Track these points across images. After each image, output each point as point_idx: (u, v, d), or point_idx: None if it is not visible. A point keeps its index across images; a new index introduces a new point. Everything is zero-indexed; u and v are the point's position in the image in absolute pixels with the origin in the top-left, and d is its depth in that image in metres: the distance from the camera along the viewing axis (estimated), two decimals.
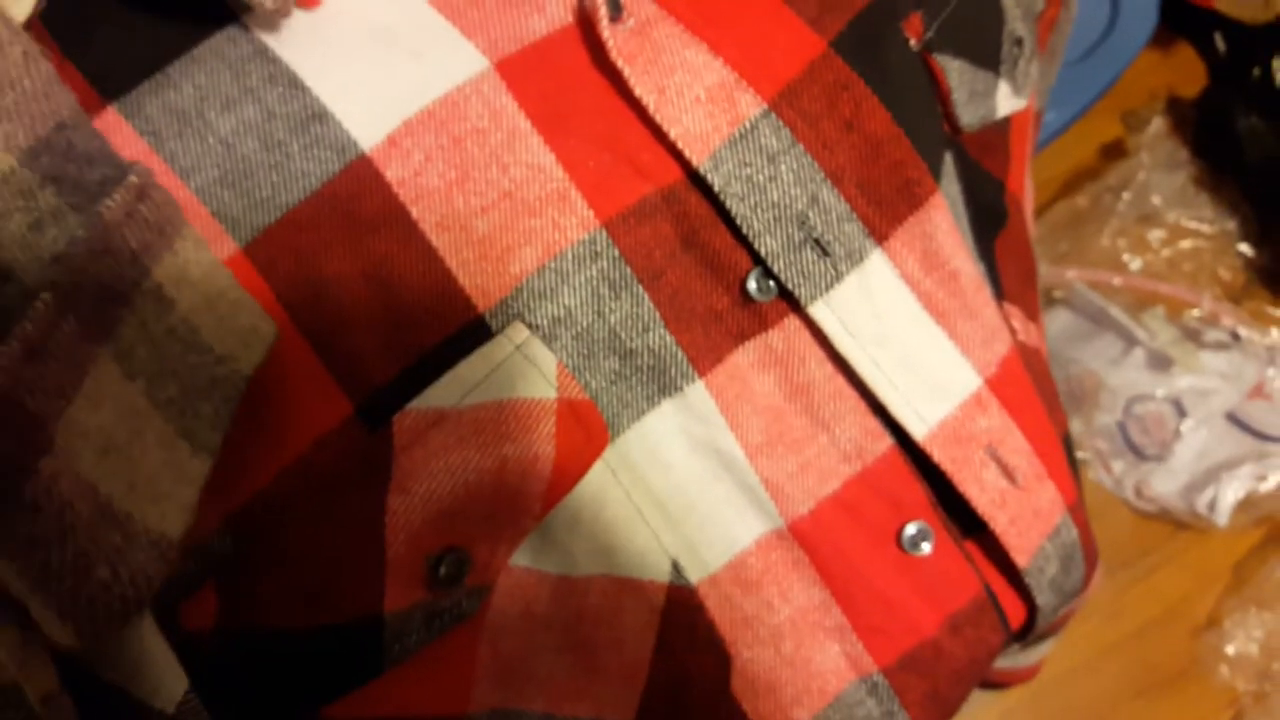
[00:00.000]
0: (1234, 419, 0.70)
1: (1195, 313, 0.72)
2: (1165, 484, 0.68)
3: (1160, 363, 0.70)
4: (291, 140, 0.29)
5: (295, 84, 0.29)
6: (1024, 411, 0.34)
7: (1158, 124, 0.75)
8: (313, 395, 0.28)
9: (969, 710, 0.62)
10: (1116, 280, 0.73)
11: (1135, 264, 0.74)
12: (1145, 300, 0.73)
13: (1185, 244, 0.74)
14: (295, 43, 0.30)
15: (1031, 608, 0.35)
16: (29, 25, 0.26)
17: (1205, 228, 0.75)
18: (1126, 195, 0.74)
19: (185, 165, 0.28)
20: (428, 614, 0.29)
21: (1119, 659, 0.65)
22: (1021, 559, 0.34)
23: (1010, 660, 0.44)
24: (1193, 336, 0.71)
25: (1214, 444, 0.69)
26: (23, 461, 0.21)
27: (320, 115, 0.29)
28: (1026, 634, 0.36)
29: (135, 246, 0.24)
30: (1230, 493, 0.67)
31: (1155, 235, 0.74)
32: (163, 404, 0.24)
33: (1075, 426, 0.69)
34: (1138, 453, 0.70)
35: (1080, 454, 0.69)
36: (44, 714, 0.22)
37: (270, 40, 0.30)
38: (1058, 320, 0.73)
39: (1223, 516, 0.67)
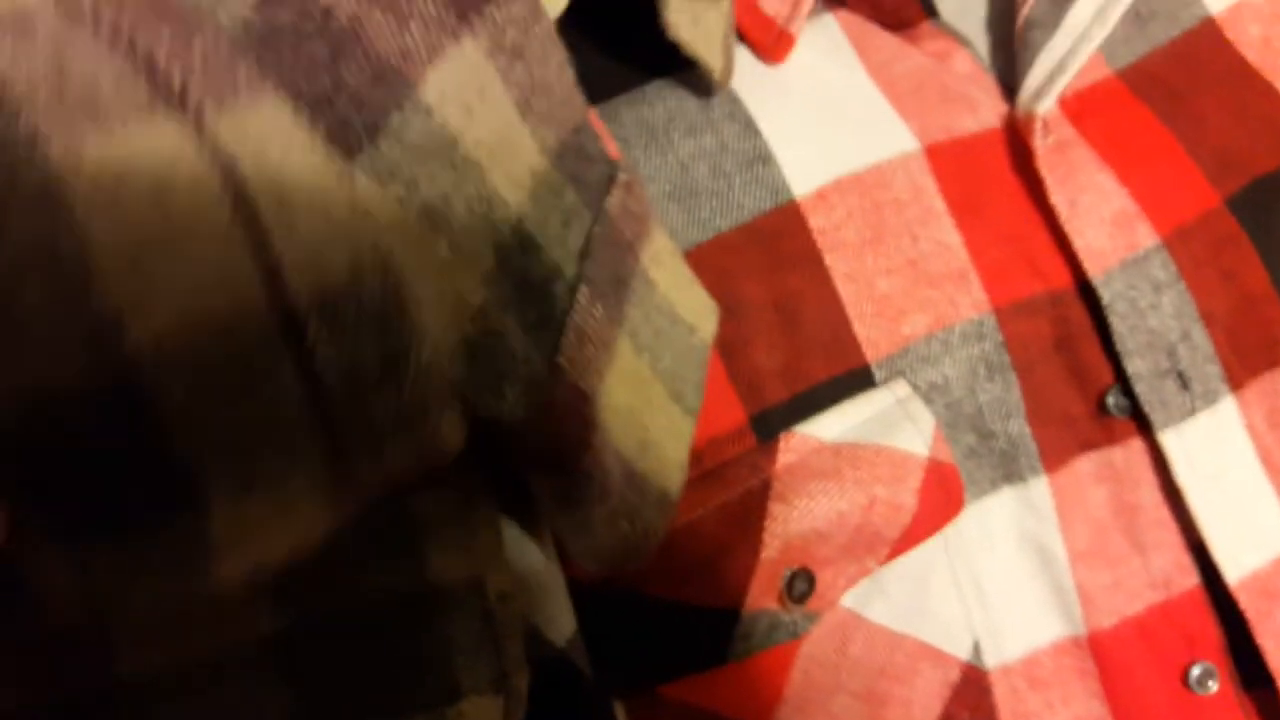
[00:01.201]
0: None
1: None
2: None
3: None
4: (736, 174, 0.32)
5: (750, 126, 0.33)
6: None
7: None
8: (715, 397, 0.31)
9: None
10: None
11: None
12: None
13: None
14: (757, 91, 0.33)
15: None
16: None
17: None
18: None
19: (645, 174, 0.32)
20: (772, 622, 0.30)
21: None
22: None
23: None
24: None
25: None
26: (583, 434, 0.24)
27: (765, 158, 0.32)
28: None
29: (630, 237, 0.27)
30: None
31: None
32: (662, 373, 0.26)
33: None
34: None
35: None
36: (498, 610, 0.24)
37: (737, 84, 0.33)
38: None
39: None
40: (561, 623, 0.28)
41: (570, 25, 0.32)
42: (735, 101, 0.33)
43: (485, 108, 0.22)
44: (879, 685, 0.32)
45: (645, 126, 0.32)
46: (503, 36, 0.23)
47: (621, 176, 0.27)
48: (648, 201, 0.29)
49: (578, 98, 0.27)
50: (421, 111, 0.21)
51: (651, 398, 0.26)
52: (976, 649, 0.32)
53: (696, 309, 0.28)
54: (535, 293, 0.23)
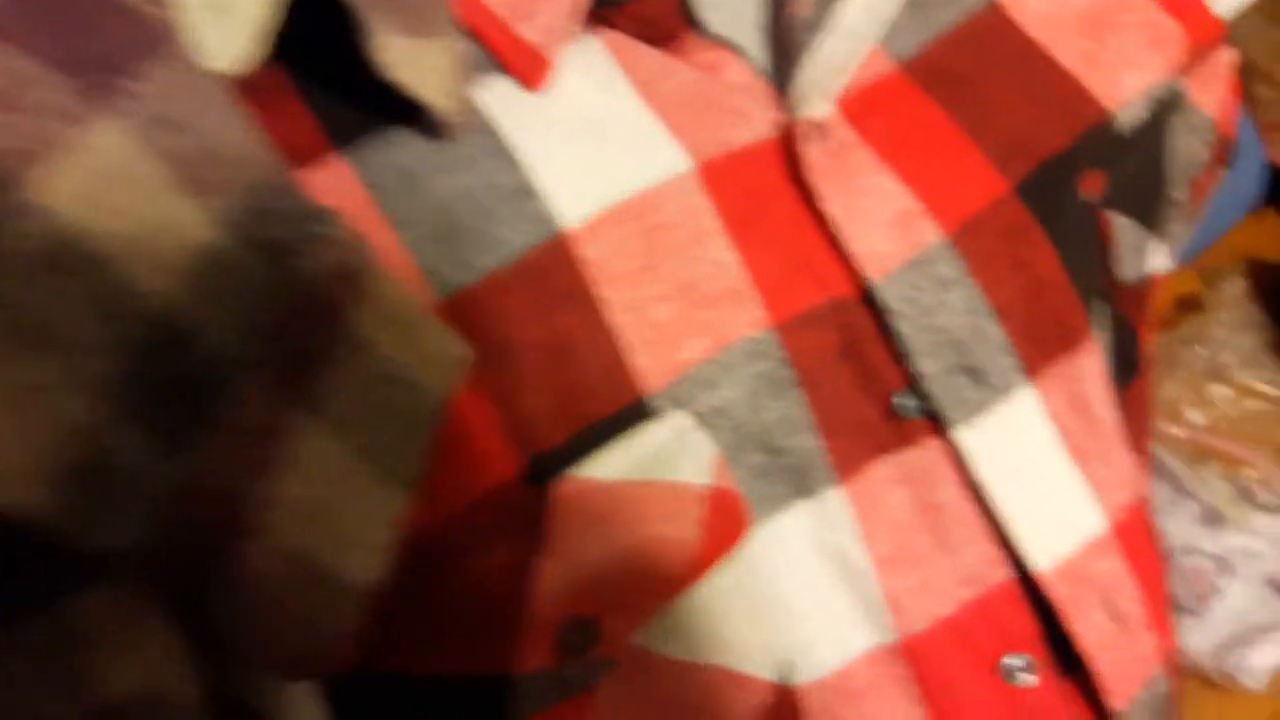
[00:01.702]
0: (1274, 584, 0.70)
1: (1249, 473, 0.73)
2: (1198, 640, 0.69)
3: (1212, 518, 0.71)
4: (500, 209, 0.30)
5: (511, 159, 0.31)
6: (1141, 559, 0.35)
7: (1236, 284, 0.77)
8: (486, 449, 0.29)
9: None
10: (1176, 430, 0.74)
11: (1197, 418, 0.74)
12: (1202, 454, 0.73)
13: (1250, 404, 0.75)
14: (517, 121, 0.31)
15: None
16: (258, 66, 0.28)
17: (1271, 391, 0.76)
18: (1199, 350, 0.75)
19: (402, 218, 0.30)
20: (553, 680, 0.29)
21: None
22: (1118, 703, 0.34)
23: None
24: (1247, 496, 0.72)
25: (1252, 607, 0.69)
26: (230, 545, 0.22)
27: (529, 191, 0.31)
28: None
29: (332, 300, 0.25)
30: (1264, 658, 0.67)
31: (1220, 392, 0.75)
32: (366, 450, 0.25)
33: None
34: (1175, 603, 0.70)
35: None
36: None
37: (495, 115, 0.31)
38: None
39: (1255, 680, 0.67)
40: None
41: (309, 66, 0.30)
42: (494, 134, 0.31)
43: (124, 194, 0.21)
44: None
45: (399, 169, 0.30)
46: (152, 110, 0.21)
47: (328, 232, 0.25)
48: (360, 250, 0.27)
49: (263, 155, 0.25)
50: (34, 215, 0.19)
51: (346, 482, 0.24)
52: (786, 669, 0.32)
53: (434, 365, 0.27)
54: (189, 391, 0.21)
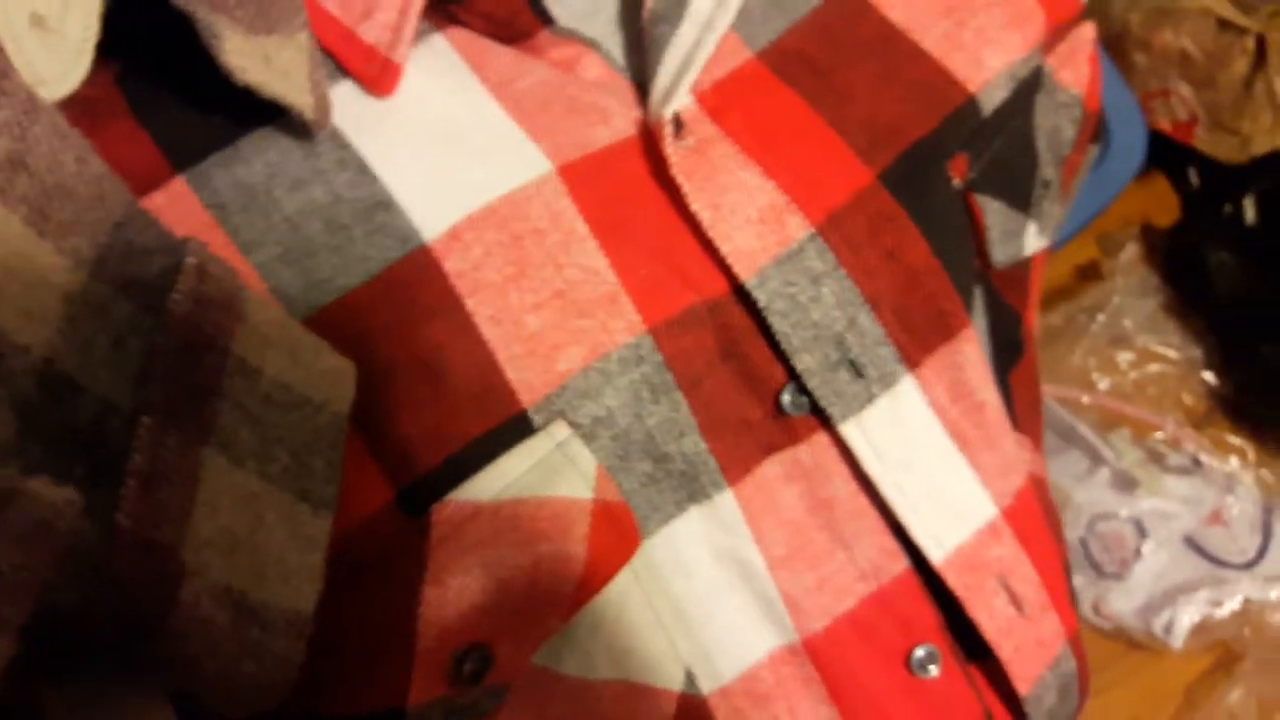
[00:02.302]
0: (1191, 543, 0.72)
1: (1159, 436, 0.74)
2: (1122, 603, 0.70)
3: (1125, 483, 0.72)
4: (356, 225, 0.29)
5: (364, 170, 0.30)
6: (1034, 542, 0.35)
7: (1132, 250, 0.78)
8: (356, 480, 0.28)
9: None
10: (1085, 399, 0.75)
11: (1104, 384, 0.76)
12: (1112, 420, 0.74)
13: (1153, 368, 0.77)
14: (367, 130, 0.30)
15: None
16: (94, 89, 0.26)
17: (1172, 354, 0.77)
18: (1100, 317, 0.76)
19: (248, 240, 0.28)
20: (447, 711, 0.28)
21: None
22: (1023, 687, 0.34)
23: None
24: (1157, 459, 0.73)
25: (1172, 567, 0.71)
26: (163, 594, 0.21)
27: (385, 203, 0.29)
28: None
29: (211, 330, 0.24)
30: (1186, 616, 0.69)
31: (1124, 357, 0.76)
32: (276, 476, 0.24)
33: None
34: (1098, 570, 0.71)
35: None
36: None
37: (343, 124, 0.30)
38: None
39: (1177, 639, 0.68)
40: None
41: (139, 84, 0.29)
42: (344, 146, 0.30)
43: None
44: None
45: (242, 188, 0.29)
46: None
47: (190, 262, 0.24)
48: (231, 278, 0.26)
49: (113, 188, 0.24)
50: None
51: (264, 511, 0.23)
52: (690, 678, 0.31)
53: (325, 380, 0.26)
54: (80, 443, 0.20)
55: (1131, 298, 0.77)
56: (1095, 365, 0.76)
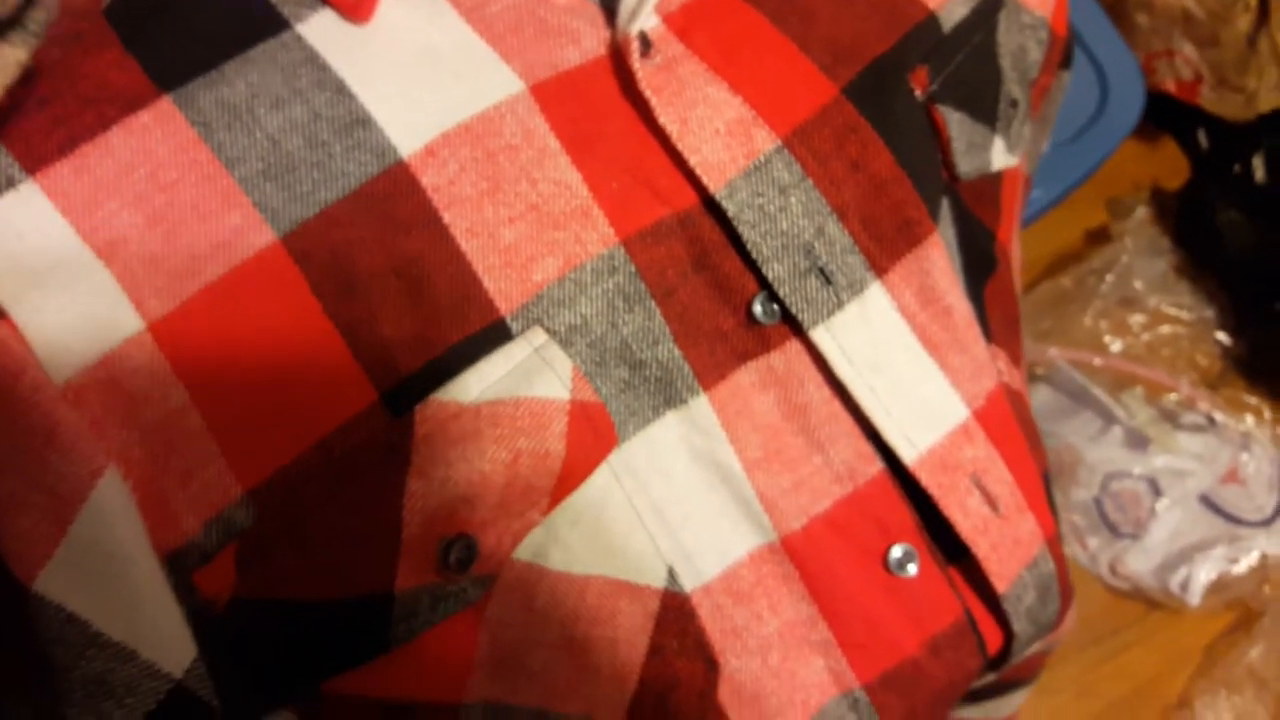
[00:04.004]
0: (1207, 501, 0.71)
1: (1173, 396, 0.74)
2: (1139, 562, 0.69)
3: (1138, 441, 0.72)
4: (335, 141, 0.31)
5: (342, 90, 0.31)
6: (1007, 444, 0.36)
7: (1141, 213, 0.78)
8: (340, 381, 0.30)
9: None
10: (1097, 360, 0.75)
11: (1116, 346, 0.76)
12: (1124, 381, 0.74)
13: (1165, 329, 0.77)
14: (345, 53, 0.32)
15: (1008, 635, 0.36)
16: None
17: (1184, 314, 0.77)
18: (1109, 278, 0.76)
19: (231, 156, 0.30)
20: (435, 597, 0.30)
21: None
22: (1001, 585, 0.35)
23: (984, 711, 0.45)
24: (1170, 418, 0.73)
25: (1188, 525, 0.70)
26: None
27: (364, 121, 0.31)
28: (1003, 662, 0.37)
29: None
30: (1203, 574, 0.68)
31: (1136, 319, 0.77)
32: None
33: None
34: (1113, 530, 0.71)
35: None
36: None
37: (322, 47, 0.32)
38: (1039, 396, 0.75)
39: (1195, 597, 0.68)
40: (177, 650, 0.27)
41: (125, 15, 0.31)
42: (323, 68, 0.31)
43: None
44: (577, 631, 0.32)
45: (225, 107, 0.31)
46: None
47: None
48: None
49: None
50: None
51: None
52: (672, 575, 0.32)
53: None
54: None
55: (1142, 259, 0.77)
56: (1107, 327, 0.76)
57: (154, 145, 0.30)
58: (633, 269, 0.32)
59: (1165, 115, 0.78)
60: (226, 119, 0.30)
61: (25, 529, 0.27)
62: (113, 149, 0.29)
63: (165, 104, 0.30)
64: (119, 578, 0.27)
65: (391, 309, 0.30)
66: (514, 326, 0.31)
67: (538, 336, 0.31)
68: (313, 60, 0.31)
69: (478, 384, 0.30)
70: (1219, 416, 0.73)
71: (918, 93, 0.37)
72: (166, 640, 0.27)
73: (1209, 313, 0.77)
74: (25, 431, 0.27)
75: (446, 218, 0.31)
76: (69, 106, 0.30)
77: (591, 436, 0.31)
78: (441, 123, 0.32)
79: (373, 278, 0.30)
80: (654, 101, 0.33)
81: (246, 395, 0.29)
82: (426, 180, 0.31)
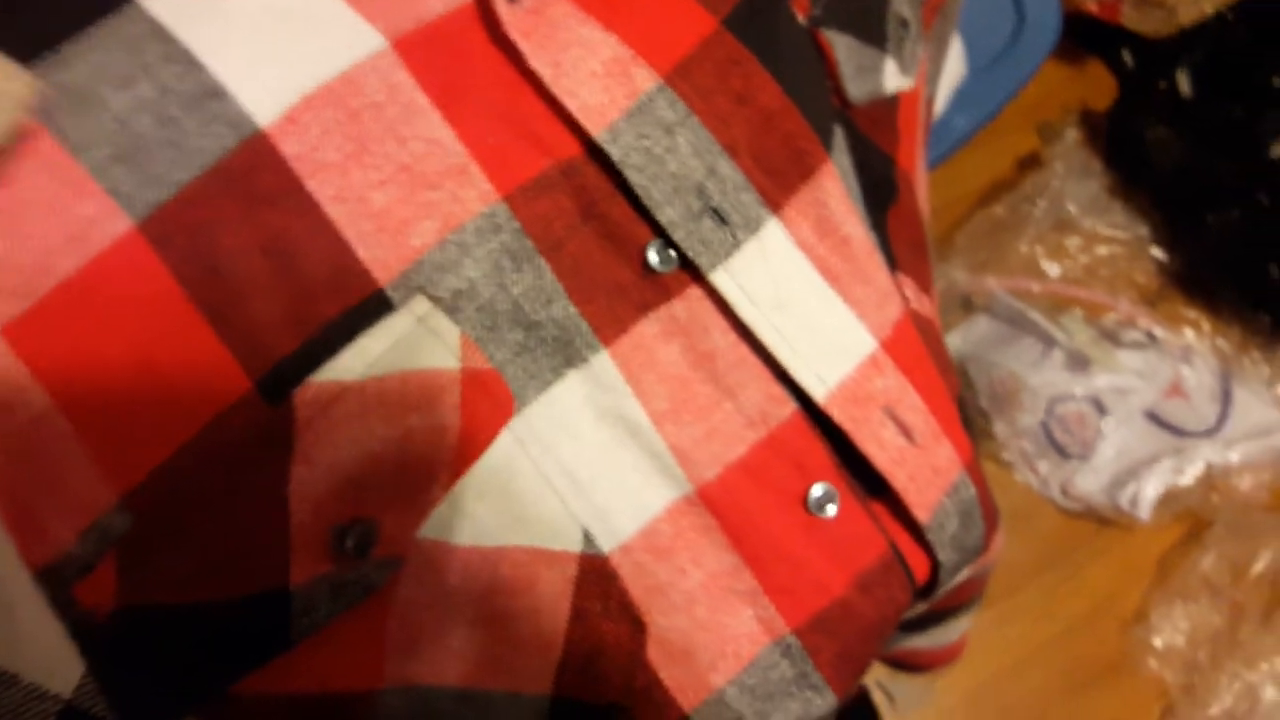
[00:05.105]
0: (1152, 416, 0.72)
1: (1112, 316, 0.74)
2: (1089, 482, 0.70)
3: (1079, 362, 0.72)
4: (186, 117, 0.29)
5: (191, 62, 0.29)
6: (918, 372, 0.35)
7: (1071, 136, 0.78)
8: (210, 371, 0.28)
9: (906, 710, 0.62)
10: (1035, 287, 0.75)
11: (1053, 270, 0.76)
12: (1064, 305, 0.74)
13: (1101, 250, 0.77)
14: (192, 21, 0.30)
15: (935, 564, 0.35)
16: None
17: (1119, 234, 0.77)
18: (1042, 204, 0.76)
19: (77, 141, 0.28)
20: (334, 586, 0.28)
21: (1051, 657, 0.66)
22: (922, 515, 0.34)
23: (930, 639, 0.45)
24: (1110, 337, 0.73)
25: (1134, 441, 0.71)
26: None
27: (216, 92, 0.29)
28: (931, 592, 0.37)
29: None
30: (1150, 488, 0.69)
31: (1072, 242, 0.76)
32: None
33: (999, 429, 0.71)
34: (1061, 452, 0.71)
35: (1005, 455, 0.71)
36: None
37: (167, 18, 0.30)
38: (978, 327, 0.75)
39: (1144, 512, 0.68)
40: (62, 668, 0.26)
41: None
42: (169, 41, 0.29)
43: None
44: (495, 605, 0.31)
45: (67, 90, 0.29)
46: None
47: None
48: None
49: None
50: None
51: None
52: (588, 538, 0.32)
53: None
54: None
55: (1074, 182, 0.77)
56: (1043, 253, 0.76)
57: None
58: (517, 225, 0.31)
59: (1089, 35, 0.78)
60: (69, 104, 0.28)
61: None
62: None
63: None
64: None
65: (260, 289, 0.28)
66: (394, 297, 0.29)
67: (421, 305, 0.30)
68: (157, 33, 0.29)
69: (359, 361, 0.29)
70: (1159, 332, 0.73)
71: (800, 18, 0.36)
72: (49, 659, 0.26)
73: (1143, 230, 0.77)
74: None
75: (310, 186, 0.29)
76: None
77: (487, 405, 0.30)
78: (300, 86, 0.30)
79: (237, 257, 0.28)
80: (524, 46, 0.31)
81: (113, 395, 0.27)
82: (287, 149, 0.29)
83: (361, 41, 0.31)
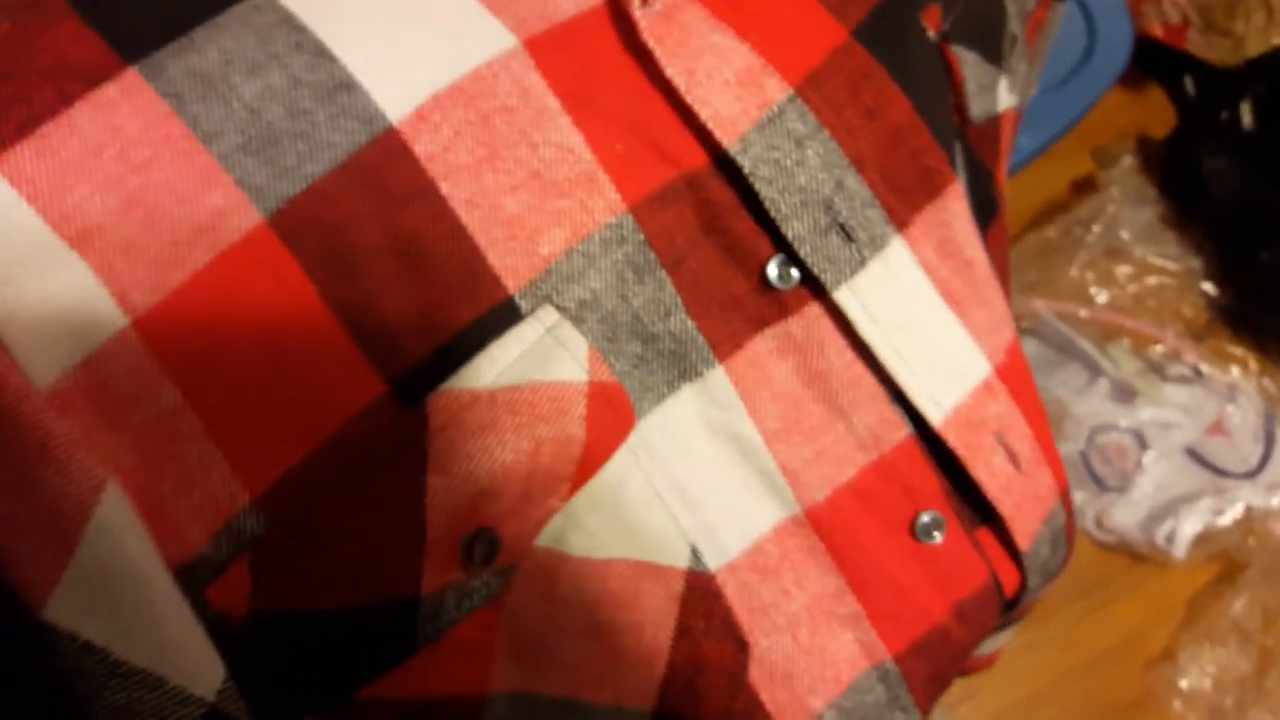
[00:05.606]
0: (1193, 454, 0.71)
1: (1159, 348, 0.74)
2: (1125, 515, 0.69)
3: (1124, 393, 0.71)
4: (318, 109, 0.28)
5: (322, 52, 0.28)
6: (1026, 398, 0.35)
7: (1128, 161, 0.77)
8: (345, 373, 0.27)
9: None
10: (1083, 312, 0.74)
11: (1102, 297, 0.75)
12: (1110, 333, 0.74)
13: (1151, 280, 0.76)
14: (322, 13, 0.29)
15: (1022, 589, 0.35)
16: None
17: (1171, 265, 0.76)
18: (1095, 229, 0.75)
19: (208, 130, 0.27)
20: (459, 594, 0.28)
21: (1075, 688, 0.66)
22: (1024, 542, 0.34)
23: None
24: (1156, 369, 0.73)
25: (1173, 477, 0.70)
26: None
27: (348, 85, 0.28)
28: (1008, 613, 0.36)
29: None
30: (1188, 526, 0.68)
31: (1122, 270, 0.76)
32: None
33: None
34: (1099, 483, 0.70)
35: None
36: None
37: (297, 9, 0.29)
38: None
39: (1180, 550, 0.68)
40: (206, 672, 0.25)
41: None
42: (301, 30, 0.28)
43: None
44: (601, 617, 0.30)
45: (198, 76, 0.27)
46: None
47: None
48: None
49: None
50: None
51: None
52: (695, 554, 0.31)
53: None
54: None
55: (1128, 209, 0.76)
56: (1093, 279, 0.75)
57: (122, 121, 0.27)
58: (641, 237, 0.30)
59: (1152, 61, 0.77)
60: (200, 89, 0.27)
61: (28, 554, 0.24)
62: (77, 128, 0.26)
63: (132, 76, 0.27)
64: (135, 599, 0.25)
65: (393, 291, 0.28)
66: (523, 305, 0.29)
67: (549, 315, 0.29)
68: (288, 21, 0.28)
69: (490, 369, 0.28)
70: (1205, 368, 0.73)
71: (930, 32, 0.35)
72: (194, 662, 0.25)
73: (1195, 263, 0.77)
74: (16, 446, 0.24)
75: (444, 188, 0.28)
76: (27, 83, 0.26)
77: (611, 418, 0.29)
78: (431, 84, 0.29)
79: (370, 257, 0.28)
80: (658, 52, 0.30)
81: (245, 393, 0.27)
82: (419, 148, 0.28)
83: (493, 40, 0.30)
